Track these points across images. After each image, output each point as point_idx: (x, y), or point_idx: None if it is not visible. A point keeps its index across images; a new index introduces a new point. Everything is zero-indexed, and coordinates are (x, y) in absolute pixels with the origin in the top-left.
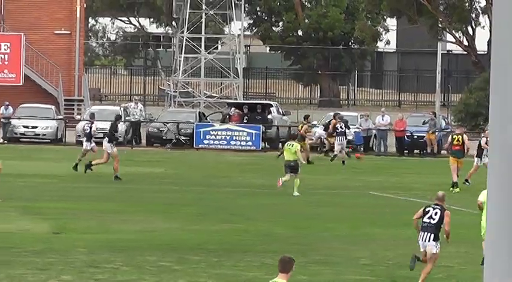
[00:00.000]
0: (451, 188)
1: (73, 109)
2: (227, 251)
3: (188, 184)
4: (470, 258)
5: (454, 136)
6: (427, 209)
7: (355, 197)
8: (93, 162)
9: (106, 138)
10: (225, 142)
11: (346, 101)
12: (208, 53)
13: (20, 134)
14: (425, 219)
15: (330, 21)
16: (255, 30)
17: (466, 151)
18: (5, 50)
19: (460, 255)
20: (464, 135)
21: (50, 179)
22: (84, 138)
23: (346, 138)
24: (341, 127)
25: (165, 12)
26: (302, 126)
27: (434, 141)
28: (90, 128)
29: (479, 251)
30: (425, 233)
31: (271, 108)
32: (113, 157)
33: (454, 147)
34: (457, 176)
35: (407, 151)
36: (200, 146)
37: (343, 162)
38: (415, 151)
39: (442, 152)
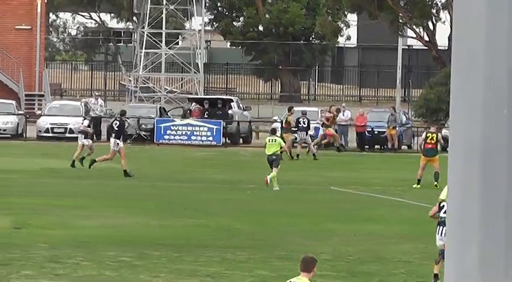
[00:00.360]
0: (415, 185)
1: (34, 104)
2: (188, 246)
3: (149, 179)
4: (429, 253)
5: (428, 134)
6: (441, 204)
7: (317, 192)
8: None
9: (112, 134)
10: (186, 137)
11: (307, 96)
12: (169, 48)
13: None
14: (442, 215)
15: (290, 16)
16: (215, 26)
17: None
18: None
19: (420, 251)
20: (439, 133)
21: (10, 175)
22: (82, 136)
23: (307, 134)
24: (303, 122)
25: (125, 8)
26: (288, 118)
27: (395, 137)
28: (82, 124)
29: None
30: (442, 227)
31: (231, 104)
32: (111, 153)
33: (426, 145)
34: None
35: (368, 146)
36: (161, 141)
37: (298, 155)
38: (376, 146)
39: (403, 147)
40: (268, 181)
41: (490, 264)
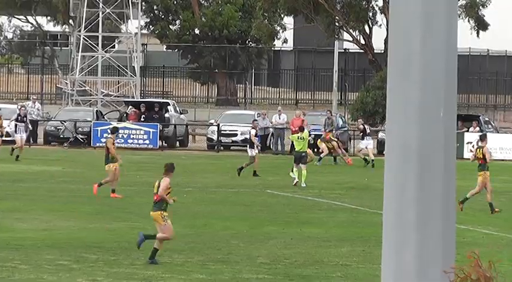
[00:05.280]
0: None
1: None
2: (125, 250)
3: (85, 183)
4: (367, 256)
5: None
6: None
7: (253, 195)
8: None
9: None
10: (123, 140)
11: (243, 100)
12: (105, 52)
13: None
14: None
15: (224, 19)
16: (151, 29)
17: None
18: None
19: (357, 254)
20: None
21: None
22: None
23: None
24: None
25: (62, 11)
26: None
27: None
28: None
29: (376, 250)
30: None
31: (168, 107)
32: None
33: (479, 161)
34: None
35: None
36: (98, 144)
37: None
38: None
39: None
40: (296, 180)
41: (427, 265)
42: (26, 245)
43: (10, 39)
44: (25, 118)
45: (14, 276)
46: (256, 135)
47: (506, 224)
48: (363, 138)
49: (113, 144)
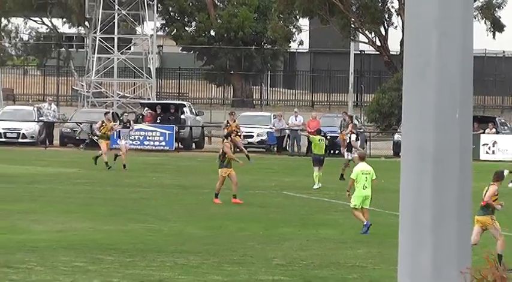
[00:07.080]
0: None
1: None
2: (140, 251)
3: (101, 184)
4: (383, 258)
5: None
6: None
7: (269, 197)
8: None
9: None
10: (139, 142)
11: (259, 101)
12: (121, 53)
13: None
14: None
15: (239, 20)
16: (167, 31)
17: None
18: None
19: (373, 255)
20: None
21: None
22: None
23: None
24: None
25: (77, 13)
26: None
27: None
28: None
29: (392, 251)
30: None
31: (184, 109)
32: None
33: None
34: None
35: None
36: (114, 146)
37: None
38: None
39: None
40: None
41: (442, 266)
42: (41, 246)
43: (26, 41)
44: (128, 124)
45: (30, 278)
46: (357, 140)
47: None
48: (356, 139)
49: (230, 148)
